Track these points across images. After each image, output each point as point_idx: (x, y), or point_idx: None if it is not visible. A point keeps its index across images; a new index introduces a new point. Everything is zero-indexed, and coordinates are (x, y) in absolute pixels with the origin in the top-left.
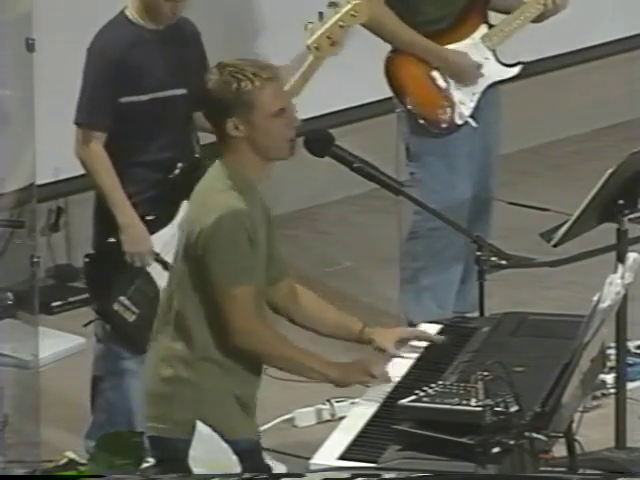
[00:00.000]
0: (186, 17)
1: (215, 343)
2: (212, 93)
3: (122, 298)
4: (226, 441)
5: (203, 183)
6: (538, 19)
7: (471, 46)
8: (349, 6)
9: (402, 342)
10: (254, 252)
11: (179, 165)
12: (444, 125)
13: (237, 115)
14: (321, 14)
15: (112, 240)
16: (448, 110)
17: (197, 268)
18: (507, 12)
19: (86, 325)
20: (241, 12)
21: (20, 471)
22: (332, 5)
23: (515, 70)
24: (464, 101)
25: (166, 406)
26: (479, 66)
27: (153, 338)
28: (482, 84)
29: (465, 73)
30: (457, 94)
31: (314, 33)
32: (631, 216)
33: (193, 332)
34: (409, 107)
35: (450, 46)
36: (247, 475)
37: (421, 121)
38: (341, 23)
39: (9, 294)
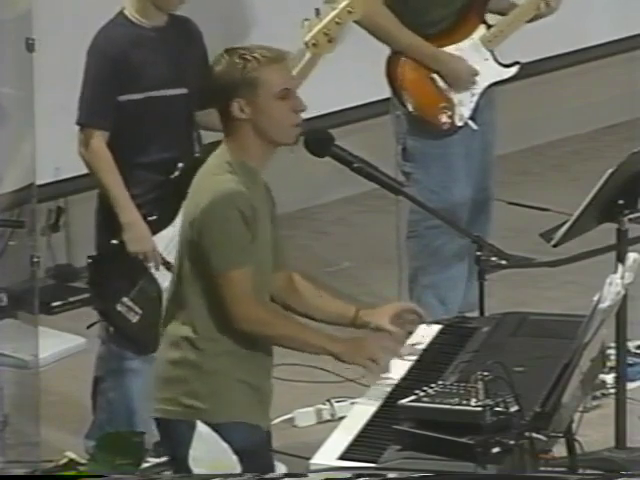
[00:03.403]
0: (187, 17)
1: (219, 328)
2: (219, 75)
3: (125, 299)
4: (233, 425)
5: (202, 170)
6: (532, 19)
7: (470, 47)
8: (345, 2)
9: (397, 318)
10: (252, 234)
11: (179, 166)
12: (445, 127)
13: (242, 95)
14: (317, 10)
15: (115, 242)
16: (448, 112)
17: (195, 254)
18: (501, 14)
19: (90, 327)
20: (232, 8)
21: (20, 471)
22: (328, 1)
23: (513, 70)
24: (464, 102)
25: (175, 389)
26: (475, 72)
27: (164, 323)
28: (481, 85)
29: (461, 79)
30: (457, 95)
31: (311, 30)
32: (631, 216)
33: (197, 317)
34: (410, 109)
35: (450, 47)
36: (247, 475)
37: (428, 127)
38: (338, 20)
39: (2, 294)
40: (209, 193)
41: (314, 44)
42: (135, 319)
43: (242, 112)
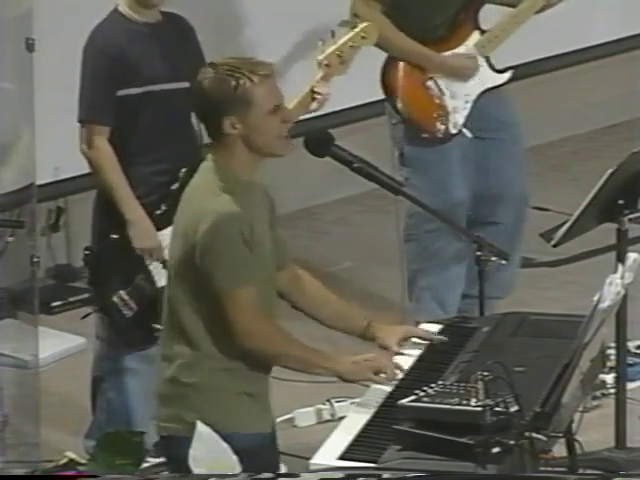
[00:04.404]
0: (180, 14)
1: (218, 347)
2: (208, 92)
3: (122, 292)
4: (236, 436)
5: (194, 185)
6: (541, 9)
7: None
8: (359, 27)
9: (406, 340)
10: (254, 252)
11: (183, 170)
12: (439, 135)
13: (234, 113)
14: (333, 33)
15: (115, 236)
16: (443, 120)
17: (196, 276)
18: (510, 5)
19: (84, 317)
20: (224, 10)
21: (20, 471)
22: (344, 24)
23: (506, 76)
24: (458, 109)
25: (172, 406)
26: (474, 58)
27: (160, 338)
28: (475, 92)
29: (464, 73)
30: (451, 102)
31: (325, 51)
32: (631, 216)
33: (195, 336)
34: (405, 118)
35: (444, 54)
36: (247, 475)
37: (423, 135)
38: (351, 43)
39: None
40: (208, 217)
41: (327, 65)
42: (130, 314)
43: (234, 128)
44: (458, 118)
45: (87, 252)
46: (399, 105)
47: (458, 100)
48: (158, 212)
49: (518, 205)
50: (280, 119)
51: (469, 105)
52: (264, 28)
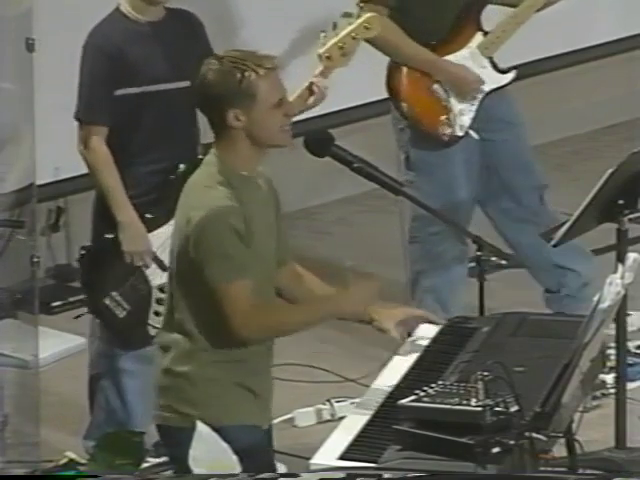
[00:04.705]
0: (187, 10)
1: (213, 339)
2: (213, 84)
3: (114, 293)
4: (229, 429)
5: (193, 178)
6: (542, 8)
7: (468, 56)
8: (363, 18)
9: (404, 323)
10: (251, 246)
11: (181, 167)
12: (446, 138)
13: (239, 106)
14: (335, 24)
15: (109, 236)
16: (450, 123)
17: (190, 268)
18: (511, 5)
19: (77, 317)
20: (224, 9)
21: (20, 471)
22: (346, 15)
23: (510, 76)
24: (464, 112)
25: (168, 397)
26: (481, 80)
27: (161, 329)
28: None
29: (467, 88)
30: (458, 105)
31: (326, 43)
32: (631, 216)
33: (189, 327)
34: (411, 121)
35: (448, 57)
36: (247, 475)
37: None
38: (354, 34)
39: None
40: (200, 210)
41: (328, 57)
42: (122, 314)
43: (238, 121)
44: (464, 120)
45: (83, 252)
46: (405, 109)
47: (464, 102)
48: (149, 216)
49: (533, 201)
50: (283, 112)
51: (475, 107)
52: (264, 28)
